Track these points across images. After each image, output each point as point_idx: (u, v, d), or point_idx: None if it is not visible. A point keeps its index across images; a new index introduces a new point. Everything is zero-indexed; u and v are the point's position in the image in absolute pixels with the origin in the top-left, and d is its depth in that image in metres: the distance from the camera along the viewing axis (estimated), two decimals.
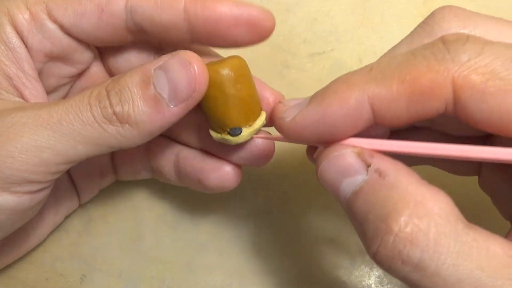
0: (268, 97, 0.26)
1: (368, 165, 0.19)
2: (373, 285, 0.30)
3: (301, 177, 0.32)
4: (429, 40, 0.20)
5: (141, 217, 0.32)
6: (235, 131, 0.24)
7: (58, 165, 0.22)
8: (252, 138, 0.25)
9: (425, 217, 0.17)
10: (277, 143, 0.26)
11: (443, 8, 0.21)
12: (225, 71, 0.23)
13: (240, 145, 0.26)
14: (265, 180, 0.32)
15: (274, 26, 0.24)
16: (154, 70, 0.22)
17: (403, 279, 0.18)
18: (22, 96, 0.24)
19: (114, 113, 0.22)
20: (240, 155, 0.26)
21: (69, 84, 0.27)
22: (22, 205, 0.22)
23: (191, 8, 0.23)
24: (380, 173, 0.19)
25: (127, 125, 0.22)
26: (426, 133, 0.25)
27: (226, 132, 0.24)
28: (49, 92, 0.26)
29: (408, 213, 0.17)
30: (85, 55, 0.26)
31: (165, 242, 0.32)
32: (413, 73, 0.18)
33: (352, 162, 0.19)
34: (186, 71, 0.22)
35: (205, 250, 0.31)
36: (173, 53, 0.22)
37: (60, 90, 0.27)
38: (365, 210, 0.19)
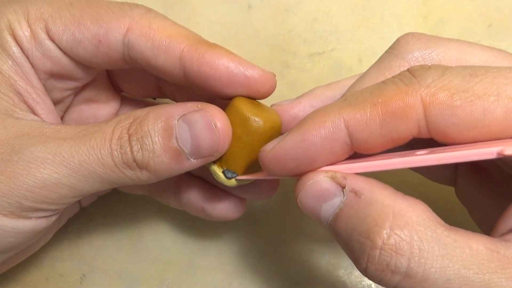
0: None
1: (343, 187, 0.20)
2: (373, 285, 0.30)
3: None
4: (396, 61, 0.22)
5: (141, 217, 0.32)
6: (229, 174, 0.24)
7: (74, 198, 0.22)
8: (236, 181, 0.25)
9: (406, 227, 0.18)
10: None
11: (406, 34, 0.23)
12: (260, 123, 0.23)
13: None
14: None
15: (275, 87, 0.24)
16: (177, 120, 0.22)
17: None
18: (33, 112, 0.24)
19: (135, 160, 0.22)
20: (245, 189, 0.27)
21: (73, 94, 0.27)
22: (38, 228, 0.23)
23: (188, 58, 0.23)
24: (356, 193, 0.19)
25: (145, 170, 0.22)
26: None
27: (221, 169, 0.24)
28: (56, 103, 0.26)
29: (389, 225, 0.18)
30: (86, 73, 0.25)
31: (165, 242, 0.32)
32: (384, 96, 0.19)
33: (327, 186, 0.20)
34: (210, 132, 0.22)
35: (205, 250, 0.31)
36: (199, 106, 0.22)
37: (66, 100, 0.27)
38: (348, 230, 0.19)
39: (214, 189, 0.28)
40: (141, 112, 0.22)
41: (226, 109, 0.23)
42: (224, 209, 0.27)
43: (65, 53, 0.24)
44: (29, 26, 0.23)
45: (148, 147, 0.22)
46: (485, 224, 0.25)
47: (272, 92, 0.24)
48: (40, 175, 0.21)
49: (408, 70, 0.20)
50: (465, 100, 0.18)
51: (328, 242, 0.31)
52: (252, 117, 0.23)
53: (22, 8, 0.23)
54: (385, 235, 0.18)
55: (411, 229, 0.18)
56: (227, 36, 0.35)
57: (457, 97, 0.18)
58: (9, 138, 0.22)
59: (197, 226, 0.32)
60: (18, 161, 0.21)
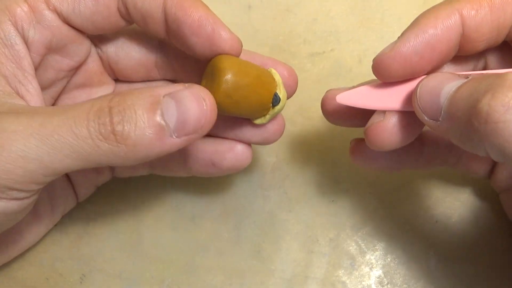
0: (282, 70, 0.27)
1: (467, 77, 0.21)
2: (373, 285, 0.30)
3: (301, 177, 0.32)
4: None
5: (141, 217, 0.32)
6: (276, 100, 0.26)
7: (43, 176, 0.21)
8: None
9: None
10: (279, 146, 0.26)
11: None
12: (226, 86, 0.23)
13: (253, 124, 0.27)
14: (265, 180, 0.32)
15: (239, 50, 0.25)
16: (164, 96, 0.22)
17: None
18: (19, 95, 0.24)
19: (113, 131, 0.21)
20: (251, 133, 0.27)
21: (66, 79, 0.27)
22: (9, 209, 0.22)
23: (169, 2, 0.24)
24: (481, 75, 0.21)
25: (123, 145, 0.21)
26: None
27: (271, 108, 0.26)
28: (46, 87, 0.26)
29: None
30: (82, 47, 0.26)
31: (165, 242, 0.32)
32: None
33: (453, 75, 0.22)
34: (199, 106, 0.22)
35: (205, 250, 0.31)
36: (187, 85, 0.22)
37: (57, 85, 0.27)
38: (473, 87, 0.20)
39: (219, 140, 0.28)
40: (125, 91, 0.22)
41: (205, 70, 0.25)
42: (233, 158, 0.28)
43: (65, 21, 0.24)
44: (26, 1, 0.24)
45: (130, 119, 0.21)
46: None
47: (237, 55, 0.25)
48: (7, 147, 0.20)
49: None
50: None
51: (328, 242, 0.31)
52: (221, 87, 0.23)
53: None
54: None
55: None
56: None
57: None
58: None
59: (197, 226, 0.32)
60: None
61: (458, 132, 0.20)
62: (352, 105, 0.25)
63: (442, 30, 0.22)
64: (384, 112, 0.24)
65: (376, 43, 0.35)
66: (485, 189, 0.31)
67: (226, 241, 0.31)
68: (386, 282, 0.30)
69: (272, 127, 0.27)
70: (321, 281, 0.30)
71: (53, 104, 0.28)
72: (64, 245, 0.32)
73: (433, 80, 0.22)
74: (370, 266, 0.30)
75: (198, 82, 0.24)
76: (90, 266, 0.31)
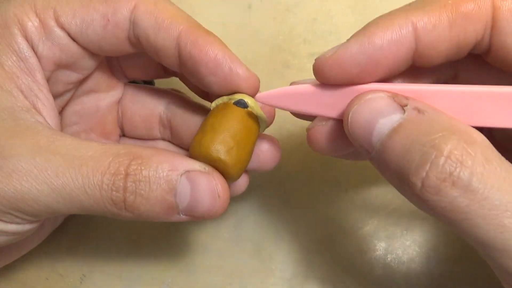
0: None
1: (404, 106, 0.19)
2: (373, 285, 0.30)
3: (301, 177, 0.32)
4: None
5: None
6: (242, 103, 0.24)
7: (48, 215, 0.22)
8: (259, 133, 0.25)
9: (472, 144, 0.18)
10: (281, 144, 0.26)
11: None
12: (237, 175, 0.23)
13: None
14: (265, 180, 0.32)
15: (257, 89, 0.24)
16: (181, 176, 0.21)
17: (448, 208, 0.18)
18: (35, 108, 0.23)
19: (124, 200, 0.21)
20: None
21: (74, 89, 0.27)
22: (10, 230, 0.22)
23: (183, 39, 0.23)
24: (419, 110, 0.19)
25: (130, 213, 0.22)
26: None
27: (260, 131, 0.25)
28: (55, 97, 0.26)
29: (456, 138, 0.18)
30: (91, 61, 0.26)
31: (165, 242, 0.32)
32: None
33: (387, 103, 0.20)
34: (212, 199, 0.22)
35: (205, 250, 0.31)
36: (207, 168, 0.22)
37: (65, 95, 0.27)
38: (407, 143, 0.18)
39: None
40: (143, 152, 0.22)
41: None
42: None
43: (74, 39, 0.24)
44: (38, 16, 0.23)
45: (144, 193, 0.21)
46: None
47: (254, 93, 0.24)
48: (20, 187, 0.20)
49: None
50: None
51: (328, 242, 0.31)
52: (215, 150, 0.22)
53: (28, 0, 0.23)
54: (452, 145, 0.17)
55: (477, 147, 0.18)
56: (227, 36, 0.35)
57: None
58: (1, 138, 0.21)
59: (197, 226, 0.32)
60: (2, 167, 0.20)
61: (389, 178, 0.20)
62: (276, 106, 0.23)
63: (390, 44, 0.20)
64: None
65: None
66: None
67: (226, 241, 0.31)
68: (386, 282, 0.30)
69: (265, 157, 0.26)
70: (321, 281, 0.30)
71: (63, 110, 0.28)
72: (64, 245, 0.32)
73: (364, 112, 0.20)
74: (370, 266, 0.30)
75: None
76: (90, 266, 0.31)
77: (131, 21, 0.24)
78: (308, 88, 0.22)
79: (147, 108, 0.29)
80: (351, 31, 0.35)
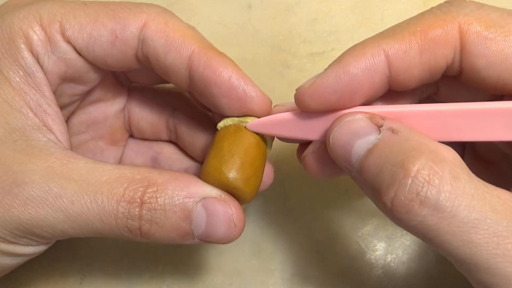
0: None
1: (380, 126, 0.20)
2: (373, 285, 0.30)
3: (301, 177, 0.32)
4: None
5: None
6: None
7: (64, 237, 0.22)
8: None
9: (440, 163, 0.18)
10: (279, 146, 0.26)
11: None
12: (250, 198, 0.23)
13: None
14: None
15: (269, 110, 0.24)
16: (197, 203, 0.21)
17: (418, 227, 0.18)
18: (44, 124, 0.23)
19: (140, 228, 0.21)
20: None
21: (80, 100, 0.27)
22: (25, 252, 0.22)
23: (196, 60, 0.23)
24: (393, 130, 0.20)
25: (145, 239, 0.22)
26: None
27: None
28: (61, 109, 0.25)
29: (424, 157, 0.18)
30: (97, 75, 0.25)
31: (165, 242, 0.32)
32: (423, 24, 0.20)
33: (364, 124, 0.20)
34: (228, 229, 0.22)
35: (205, 250, 0.31)
36: (223, 195, 0.22)
37: (70, 106, 0.26)
38: (380, 163, 0.19)
39: None
40: (158, 178, 0.22)
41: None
42: None
43: (80, 54, 0.23)
44: (43, 29, 0.23)
45: (159, 221, 0.21)
46: None
47: (266, 115, 0.24)
48: (35, 215, 0.21)
49: (446, 1, 0.21)
50: (499, 34, 0.19)
51: (328, 242, 0.31)
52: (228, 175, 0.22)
53: (33, 13, 0.23)
54: (420, 165, 0.18)
55: (445, 165, 0.18)
56: (227, 36, 0.35)
57: (492, 30, 0.19)
58: (15, 162, 0.21)
59: None
60: (17, 194, 0.20)
61: (369, 195, 0.20)
62: (264, 133, 0.24)
63: (364, 72, 0.20)
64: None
65: None
66: None
67: None
68: (386, 283, 0.30)
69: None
70: (321, 281, 0.30)
71: (69, 120, 0.27)
72: (64, 245, 0.32)
73: (343, 133, 0.21)
74: (370, 266, 0.30)
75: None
76: (90, 266, 0.31)
77: (140, 39, 0.23)
78: (291, 115, 0.23)
79: (154, 114, 0.28)
80: (351, 31, 0.35)
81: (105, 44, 0.23)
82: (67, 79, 0.24)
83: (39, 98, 0.23)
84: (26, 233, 0.21)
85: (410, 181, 0.18)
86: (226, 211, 0.22)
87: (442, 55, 0.20)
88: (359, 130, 0.20)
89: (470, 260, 0.18)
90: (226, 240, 0.22)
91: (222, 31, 0.35)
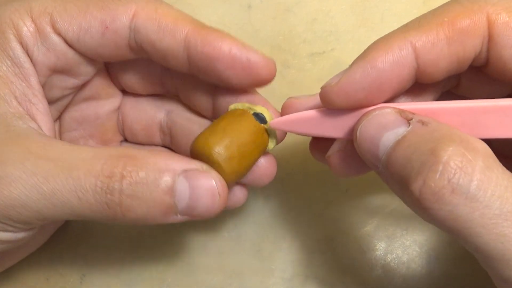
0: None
1: (410, 120, 0.20)
2: (373, 285, 0.30)
3: (301, 177, 0.32)
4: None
5: None
6: (261, 118, 0.24)
7: (39, 222, 0.21)
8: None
9: (472, 151, 0.17)
10: (279, 145, 0.26)
11: None
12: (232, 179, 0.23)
13: None
14: None
15: (274, 74, 0.24)
16: (179, 176, 0.21)
17: (448, 217, 0.17)
18: (29, 114, 0.23)
19: (120, 204, 0.20)
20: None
21: (72, 94, 0.27)
22: (4, 238, 0.22)
23: (192, 40, 0.23)
24: (423, 122, 0.19)
25: (126, 217, 0.21)
26: None
27: (268, 149, 0.25)
28: (52, 102, 0.26)
29: (456, 145, 0.18)
30: (89, 68, 0.25)
31: (165, 242, 0.32)
32: (450, 15, 0.19)
33: (393, 118, 0.20)
34: (212, 199, 0.21)
35: (205, 250, 0.31)
36: (205, 167, 0.22)
37: (62, 100, 0.26)
38: (408, 153, 0.18)
39: None
40: (137, 153, 0.21)
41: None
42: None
43: (70, 46, 0.24)
44: (33, 21, 0.23)
45: (141, 196, 0.20)
46: None
47: (272, 79, 0.24)
48: (8, 194, 0.20)
49: None
50: None
51: (328, 242, 0.31)
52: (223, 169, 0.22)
53: (24, 5, 0.23)
54: (452, 151, 0.17)
55: (477, 153, 0.17)
56: None
57: None
58: None
59: (197, 226, 0.32)
60: None
61: (394, 189, 0.20)
62: (289, 131, 0.24)
63: (392, 66, 0.20)
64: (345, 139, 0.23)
65: None
66: None
67: (226, 241, 0.31)
68: (386, 282, 0.30)
69: (260, 173, 0.26)
70: (321, 281, 0.30)
71: (59, 117, 0.27)
72: (64, 244, 0.32)
73: (371, 127, 0.20)
74: (370, 266, 0.30)
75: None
76: (90, 266, 0.31)
77: (131, 29, 0.23)
78: (315, 113, 0.23)
79: (147, 116, 0.28)
80: (351, 31, 0.35)
81: (96, 35, 0.23)
82: (57, 70, 0.24)
83: (25, 88, 0.23)
84: (0, 216, 0.20)
85: (441, 167, 0.17)
86: (209, 181, 0.21)
87: (470, 46, 0.20)
88: (388, 123, 0.20)
89: (501, 255, 0.17)
90: (210, 212, 0.22)
91: None
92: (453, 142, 0.18)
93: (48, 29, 0.23)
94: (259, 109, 0.24)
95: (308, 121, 0.23)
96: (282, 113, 0.25)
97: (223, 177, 0.22)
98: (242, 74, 0.23)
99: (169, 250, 0.31)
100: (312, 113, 0.23)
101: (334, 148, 0.24)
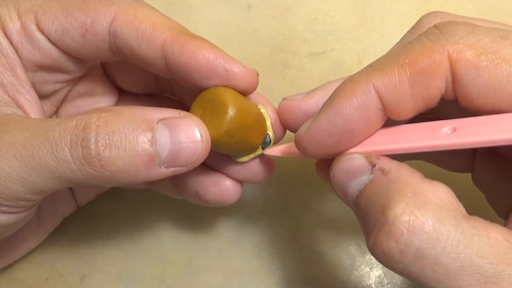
0: (270, 115, 0.25)
1: (374, 165, 0.20)
2: (373, 285, 0.30)
3: (301, 177, 0.32)
4: None
5: (141, 217, 0.32)
6: (266, 143, 0.25)
7: (30, 195, 0.21)
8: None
9: (423, 207, 0.17)
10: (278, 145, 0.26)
11: (429, 13, 0.22)
12: (230, 125, 0.22)
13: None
14: None
15: (256, 85, 0.23)
16: (157, 123, 0.20)
17: (403, 273, 0.18)
18: (16, 103, 0.23)
19: (98, 156, 0.19)
20: (240, 171, 0.26)
21: (66, 89, 0.26)
22: (4, 222, 0.21)
23: (169, 48, 0.22)
24: (383, 171, 0.19)
25: (107, 172, 0.20)
26: None
27: (260, 148, 0.25)
28: (45, 96, 0.26)
29: (405, 202, 0.17)
30: (77, 65, 0.25)
31: (165, 242, 0.32)
32: (411, 56, 0.19)
33: (359, 164, 0.20)
34: (193, 141, 0.21)
35: (205, 250, 0.31)
36: (182, 113, 0.21)
37: (57, 94, 0.26)
38: (367, 205, 0.19)
39: (210, 172, 0.27)
40: (113, 108, 0.21)
41: (199, 97, 0.23)
42: (218, 193, 0.26)
43: (54, 44, 0.23)
44: (20, 18, 0.23)
45: (119, 144, 0.20)
46: (503, 209, 0.24)
47: (253, 90, 0.24)
48: None
49: (435, 26, 0.20)
50: (491, 62, 0.18)
51: (328, 242, 0.31)
52: (220, 130, 0.22)
53: (13, 1, 0.23)
54: (399, 211, 0.17)
55: (428, 209, 0.17)
56: (227, 36, 0.35)
57: (483, 58, 0.18)
58: None
59: (197, 226, 0.32)
60: None
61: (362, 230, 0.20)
62: (288, 156, 0.24)
63: (357, 111, 0.20)
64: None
65: (376, 43, 0.35)
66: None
67: (226, 241, 0.31)
68: (386, 282, 0.30)
69: (257, 169, 0.26)
70: (321, 281, 0.30)
71: (56, 112, 0.27)
72: (64, 245, 0.32)
73: (340, 173, 0.20)
74: (370, 266, 0.30)
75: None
76: (90, 266, 0.31)
77: (110, 33, 0.23)
78: None
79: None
80: (351, 31, 0.35)
81: (77, 37, 0.23)
82: (44, 67, 0.24)
83: (12, 78, 0.23)
84: None
85: (388, 228, 0.17)
86: (189, 123, 0.21)
87: (433, 86, 0.19)
88: (353, 170, 0.20)
89: None
90: (195, 158, 0.21)
91: (222, 31, 0.35)
92: (404, 197, 0.18)
93: (33, 27, 0.23)
94: (259, 107, 0.24)
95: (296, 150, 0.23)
96: (279, 116, 0.25)
97: (224, 124, 0.22)
98: (220, 84, 0.23)
99: (169, 250, 0.31)
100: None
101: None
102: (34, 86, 0.24)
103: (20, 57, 0.23)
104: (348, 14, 0.35)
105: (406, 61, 0.19)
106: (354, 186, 0.20)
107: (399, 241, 0.17)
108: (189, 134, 0.21)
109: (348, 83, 0.20)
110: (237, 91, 0.23)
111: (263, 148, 0.25)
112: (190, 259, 0.31)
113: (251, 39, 0.35)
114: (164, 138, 0.20)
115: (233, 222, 0.32)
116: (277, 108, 0.26)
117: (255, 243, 0.31)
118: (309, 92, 0.25)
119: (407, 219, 0.17)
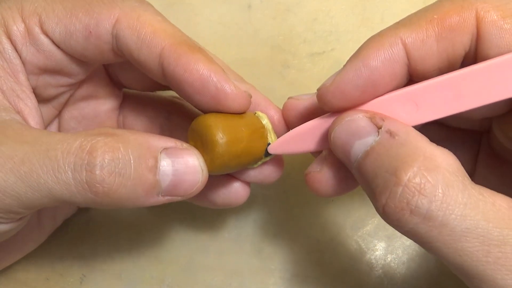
0: (273, 115, 0.25)
1: (379, 127, 0.20)
2: (373, 285, 0.30)
3: (301, 177, 0.32)
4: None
5: (141, 217, 0.32)
6: (267, 153, 0.25)
7: (20, 209, 0.20)
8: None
9: (434, 170, 0.18)
10: None
11: None
12: (221, 160, 0.22)
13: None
14: None
15: (247, 106, 0.23)
16: (161, 153, 0.20)
17: (411, 233, 0.18)
18: (16, 109, 0.23)
19: (102, 182, 0.19)
20: (250, 172, 0.26)
21: (69, 92, 0.26)
22: None
23: (166, 57, 0.22)
24: (391, 133, 0.20)
25: (107, 198, 0.20)
26: (433, 130, 0.26)
27: (263, 158, 0.25)
28: (48, 100, 0.25)
29: (417, 165, 0.18)
30: (81, 68, 0.25)
31: (165, 242, 0.32)
32: (440, 12, 0.20)
33: (364, 124, 0.20)
34: (194, 176, 0.21)
35: (205, 250, 0.31)
36: (185, 145, 0.21)
37: (59, 98, 0.26)
38: (375, 167, 0.19)
39: (219, 175, 0.27)
40: (116, 130, 0.21)
41: (191, 127, 0.23)
42: (227, 194, 0.26)
43: (58, 47, 0.23)
44: (23, 21, 0.23)
45: (124, 172, 0.19)
46: None
47: (244, 110, 0.23)
48: None
49: None
50: None
51: (328, 242, 0.31)
52: (217, 157, 0.22)
53: (16, 3, 0.23)
54: (412, 174, 0.18)
55: (438, 173, 0.18)
56: (227, 36, 0.35)
57: (508, 20, 0.19)
58: None
59: (197, 226, 0.32)
60: None
61: (366, 193, 0.20)
62: (287, 154, 0.24)
63: (384, 63, 0.20)
64: (323, 160, 0.23)
65: None
66: None
67: (226, 241, 0.31)
68: (386, 283, 0.30)
69: (267, 170, 0.26)
70: (321, 281, 0.30)
71: (58, 115, 0.27)
72: (64, 245, 0.32)
73: (343, 133, 0.21)
74: (370, 266, 0.30)
75: None
76: (90, 266, 0.31)
77: (113, 36, 0.23)
78: (308, 126, 0.23)
79: (148, 118, 0.28)
80: (351, 31, 0.35)
81: (80, 39, 0.23)
82: (48, 70, 0.24)
83: (13, 83, 0.23)
84: None
85: (400, 190, 0.18)
86: (191, 157, 0.21)
87: (459, 43, 0.20)
88: (358, 131, 0.20)
89: (460, 267, 0.18)
90: (194, 188, 0.21)
91: (222, 31, 0.35)
92: (415, 161, 0.18)
93: (37, 30, 0.23)
94: (256, 114, 0.24)
95: (299, 138, 0.23)
96: (283, 115, 0.25)
97: (214, 160, 0.22)
98: (211, 101, 0.22)
99: (169, 250, 0.31)
100: (307, 126, 0.23)
101: (311, 168, 0.24)
102: (37, 89, 0.24)
103: (23, 61, 0.23)
104: (348, 14, 0.35)
105: (435, 16, 0.20)
106: (359, 147, 0.20)
107: (410, 202, 0.18)
108: (190, 166, 0.21)
109: (375, 37, 0.21)
110: (228, 112, 0.23)
111: (266, 156, 0.25)
112: (190, 259, 0.31)
113: (251, 39, 0.35)
114: (166, 169, 0.21)
115: (233, 222, 0.32)
116: (281, 107, 0.25)
117: (255, 243, 0.31)
118: (314, 93, 0.25)
119: (419, 181, 0.18)
